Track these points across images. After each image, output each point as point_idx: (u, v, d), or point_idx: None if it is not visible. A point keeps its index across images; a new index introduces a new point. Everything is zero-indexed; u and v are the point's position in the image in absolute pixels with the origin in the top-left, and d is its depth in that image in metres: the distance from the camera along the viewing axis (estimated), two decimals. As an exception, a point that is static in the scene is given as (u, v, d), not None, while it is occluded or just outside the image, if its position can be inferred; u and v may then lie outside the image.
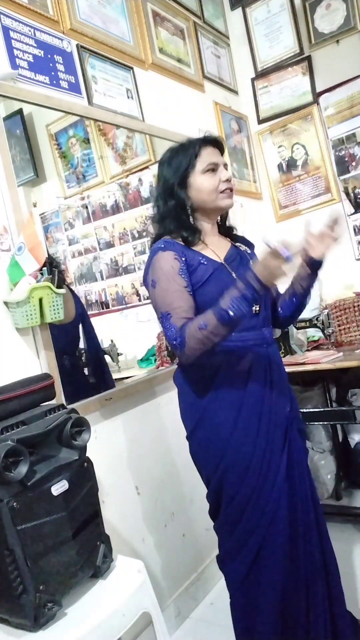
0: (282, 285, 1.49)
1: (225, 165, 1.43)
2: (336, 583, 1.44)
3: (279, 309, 1.55)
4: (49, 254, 1.41)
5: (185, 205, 1.40)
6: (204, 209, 1.43)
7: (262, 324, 1.42)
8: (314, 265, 1.41)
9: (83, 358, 1.94)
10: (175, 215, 1.41)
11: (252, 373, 1.36)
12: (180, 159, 1.41)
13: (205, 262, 1.36)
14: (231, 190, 1.42)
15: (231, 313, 1.18)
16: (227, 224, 1.57)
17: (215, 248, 1.43)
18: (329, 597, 1.40)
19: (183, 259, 1.34)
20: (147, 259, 1.40)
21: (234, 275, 1.38)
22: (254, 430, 1.34)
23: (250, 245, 1.57)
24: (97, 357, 2.04)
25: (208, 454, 1.39)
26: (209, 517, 1.50)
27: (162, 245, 1.36)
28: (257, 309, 1.38)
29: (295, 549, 1.34)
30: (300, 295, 1.50)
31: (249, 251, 1.52)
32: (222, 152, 1.46)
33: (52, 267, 1.43)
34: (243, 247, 1.52)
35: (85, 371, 1.96)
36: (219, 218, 1.53)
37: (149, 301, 1.43)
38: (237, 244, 1.53)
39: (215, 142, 1.44)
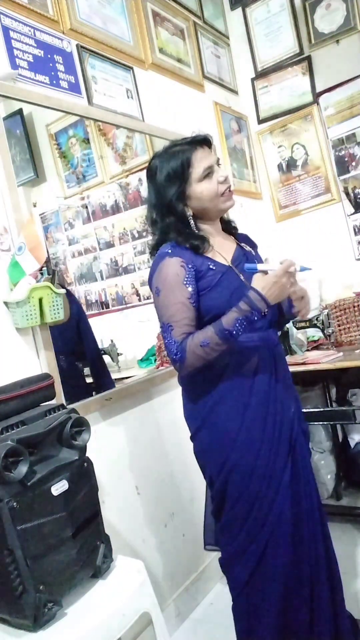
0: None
1: (218, 162, 1.39)
2: (337, 584, 1.44)
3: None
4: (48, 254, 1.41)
5: (187, 218, 1.37)
6: (207, 215, 1.40)
7: (269, 325, 1.42)
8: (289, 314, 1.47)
9: (80, 358, 1.95)
10: (178, 229, 1.37)
11: (258, 373, 1.36)
12: (170, 171, 1.34)
13: (214, 267, 1.35)
14: (230, 190, 1.39)
15: (234, 332, 1.21)
16: (226, 218, 1.53)
17: (222, 250, 1.41)
18: (332, 600, 1.40)
19: (190, 266, 1.31)
20: (153, 262, 1.38)
21: (241, 277, 1.36)
22: (259, 431, 1.33)
23: (254, 245, 1.55)
24: (95, 358, 2.04)
25: (212, 454, 1.37)
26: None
27: (169, 251, 1.33)
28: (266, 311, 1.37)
29: (300, 552, 1.34)
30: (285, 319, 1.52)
31: (253, 253, 1.51)
32: (210, 147, 1.41)
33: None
34: (248, 248, 1.50)
35: (85, 372, 1.96)
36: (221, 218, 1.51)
37: (149, 301, 1.44)
38: (242, 244, 1.51)
39: (203, 141, 1.39)
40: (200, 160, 1.35)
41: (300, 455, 1.38)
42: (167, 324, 1.29)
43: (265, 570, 1.32)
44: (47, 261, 1.45)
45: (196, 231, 1.38)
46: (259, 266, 1.31)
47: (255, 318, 1.23)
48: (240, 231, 1.58)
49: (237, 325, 1.21)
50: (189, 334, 1.27)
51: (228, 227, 1.53)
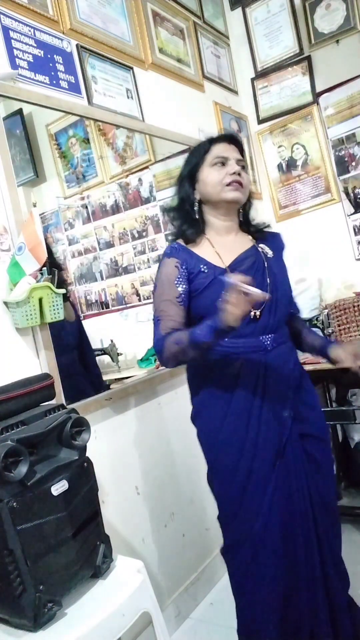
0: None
1: (239, 161, 1.41)
2: (339, 583, 1.44)
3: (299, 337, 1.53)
4: (52, 255, 1.41)
5: (190, 197, 1.43)
6: (211, 202, 1.42)
7: (262, 331, 1.36)
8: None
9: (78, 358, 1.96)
10: (180, 207, 1.45)
11: (240, 380, 1.35)
12: (193, 155, 1.46)
13: (206, 270, 1.36)
14: (240, 184, 1.38)
15: (197, 337, 1.23)
16: (251, 218, 1.51)
17: (223, 250, 1.40)
18: (330, 600, 1.40)
19: (183, 267, 1.37)
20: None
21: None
22: (241, 437, 1.34)
23: (279, 247, 1.51)
24: (92, 358, 2.05)
25: (203, 444, 1.44)
26: (207, 516, 1.50)
27: (169, 251, 1.41)
28: (258, 314, 1.35)
29: (293, 555, 1.34)
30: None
31: (270, 254, 1.46)
32: (239, 149, 1.46)
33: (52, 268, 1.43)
34: (267, 249, 1.46)
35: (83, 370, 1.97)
36: (240, 215, 1.48)
37: (149, 301, 1.45)
38: (261, 245, 1.47)
39: (230, 139, 1.45)
40: (217, 150, 1.41)
41: (293, 458, 1.36)
42: (157, 317, 1.37)
43: (259, 569, 1.34)
44: (56, 264, 1.47)
45: (196, 216, 1.43)
46: (227, 279, 1.18)
47: (215, 332, 1.20)
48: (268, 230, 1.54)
49: (204, 330, 1.21)
50: (174, 330, 1.33)
51: (247, 226, 1.50)
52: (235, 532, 1.37)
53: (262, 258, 1.43)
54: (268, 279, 1.40)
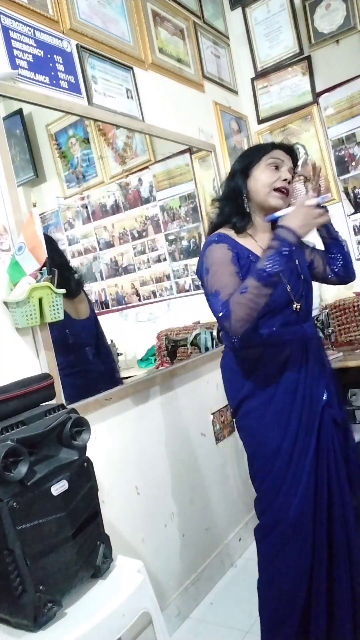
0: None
1: (291, 170, 1.49)
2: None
3: (331, 269, 1.59)
4: (64, 257, 1.39)
5: (242, 191, 1.48)
6: (256, 202, 1.48)
7: (304, 319, 1.48)
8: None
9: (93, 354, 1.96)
10: (231, 198, 1.50)
11: (287, 367, 1.44)
12: (252, 151, 1.53)
13: (254, 260, 1.41)
14: (287, 192, 1.46)
15: (268, 269, 1.24)
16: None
17: (264, 245, 1.46)
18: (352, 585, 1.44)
19: (235, 251, 1.41)
20: (200, 252, 1.48)
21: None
22: (285, 421, 1.42)
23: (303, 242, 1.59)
24: (107, 355, 2.06)
25: (247, 430, 1.50)
26: (207, 516, 1.51)
27: (216, 239, 1.44)
28: (298, 307, 1.45)
29: (326, 532, 1.40)
30: (332, 245, 1.57)
31: (305, 242, 1.56)
32: (294, 163, 1.52)
33: (72, 273, 1.43)
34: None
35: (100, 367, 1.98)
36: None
37: (148, 301, 1.45)
38: None
39: (290, 150, 1.52)
40: (277, 153, 1.48)
41: (326, 443, 1.44)
42: (215, 291, 1.35)
43: (291, 548, 1.40)
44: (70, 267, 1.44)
45: (247, 209, 1.48)
46: (278, 213, 1.40)
47: (286, 251, 1.26)
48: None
49: (270, 261, 1.25)
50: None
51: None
52: (275, 511, 1.42)
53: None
54: (299, 269, 1.51)
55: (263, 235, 1.50)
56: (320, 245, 1.62)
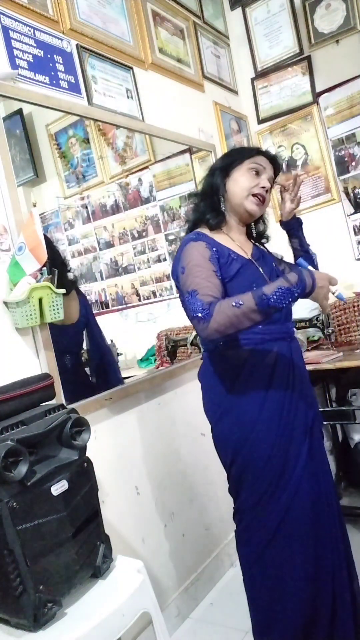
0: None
1: (271, 179, 1.48)
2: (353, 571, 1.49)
3: None
4: (61, 255, 1.38)
5: (219, 190, 1.46)
6: (232, 203, 1.47)
7: (286, 317, 1.47)
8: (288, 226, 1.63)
9: (83, 359, 1.94)
10: (208, 194, 1.48)
11: (277, 367, 1.41)
12: (236, 152, 1.53)
13: (235, 257, 1.41)
14: (263, 199, 1.46)
15: (272, 301, 1.17)
16: (262, 231, 1.62)
17: (241, 244, 1.48)
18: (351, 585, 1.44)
19: (214, 249, 1.38)
20: (177, 250, 1.44)
21: (261, 270, 1.44)
22: (276, 422, 1.38)
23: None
24: (100, 358, 2.02)
25: (231, 443, 1.42)
26: (207, 516, 1.50)
27: (194, 237, 1.41)
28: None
29: (318, 538, 1.39)
30: (303, 257, 1.58)
31: (273, 253, 1.58)
32: (276, 173, 1.52)
33: (65, 269, 1.43)
34: (264, 247, 1.58)
35: (87, 372, 1.95)
36: (252, 225, 1.57)
37: (148, 301, 1.44)
38: (256, 244, 1.58)
39: (274, 160, 1.50)
40: (260, 159, 1.47)
41: (317, 437, 1.44)
42: (192, 289, 1.28)
43: (284, 536, 1.37)
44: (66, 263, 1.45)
45: (223, 208, 1.47)
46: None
47: (297, 294, 1.19)
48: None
49: (278, 294, 1.17)
50: (217, 299, 1.25)
51: (250, 234, 1.59)
52: (274, 512, 1.39)
53: (267, 255, 1.56)
54: (277, 271, 1.52)
55: (239, 236, 1.51)
56: (289, 258, 1.66)
